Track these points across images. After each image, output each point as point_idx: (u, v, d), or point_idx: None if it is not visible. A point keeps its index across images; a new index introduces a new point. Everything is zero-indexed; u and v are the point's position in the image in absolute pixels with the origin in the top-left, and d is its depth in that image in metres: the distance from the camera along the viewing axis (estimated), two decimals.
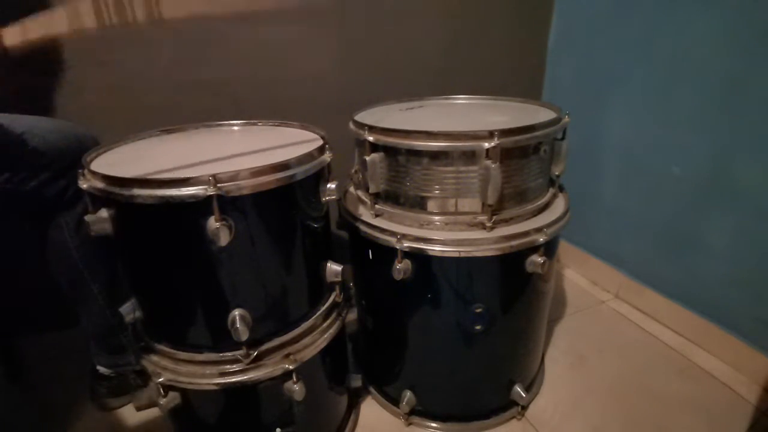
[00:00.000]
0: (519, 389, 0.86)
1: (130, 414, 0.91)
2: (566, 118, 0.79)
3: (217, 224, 0.54)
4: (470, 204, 0.74)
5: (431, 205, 0.76)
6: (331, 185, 0.68)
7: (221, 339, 0.63)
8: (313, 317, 0.72)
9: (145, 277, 0.66)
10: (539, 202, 0.80)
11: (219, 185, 0.53)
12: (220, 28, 1.01)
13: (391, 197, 0.79)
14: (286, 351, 0.68)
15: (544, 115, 0.83)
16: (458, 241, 0.71)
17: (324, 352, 0.73)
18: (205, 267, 0.60)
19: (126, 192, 0.54)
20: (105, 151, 0.69)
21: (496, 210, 0.73)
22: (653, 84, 1.09)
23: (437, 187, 0.74)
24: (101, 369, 0.90)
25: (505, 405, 0.89)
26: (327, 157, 0.67)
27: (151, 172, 0.58)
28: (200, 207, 0.54)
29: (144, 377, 0.85)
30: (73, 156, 0.72)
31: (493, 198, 0.70)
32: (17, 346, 1.05)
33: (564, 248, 1.43)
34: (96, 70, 0.94)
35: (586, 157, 1.27)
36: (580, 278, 1.40)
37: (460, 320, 0.78)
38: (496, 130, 0.68)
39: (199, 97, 1.03)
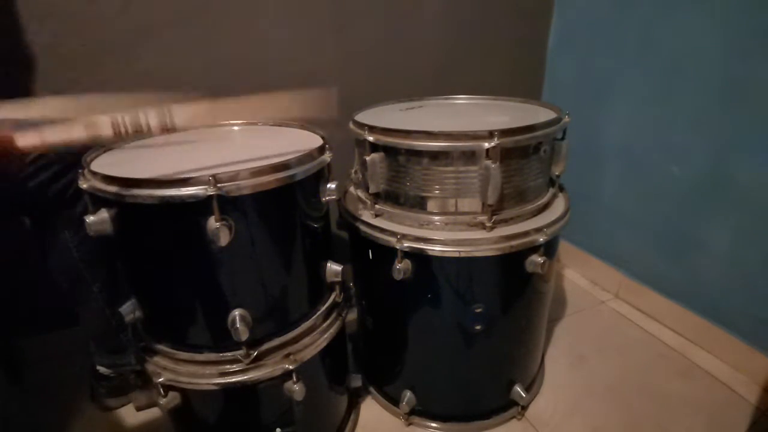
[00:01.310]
0: (519, 389, 0.86)
1: (130, 414, 0.91)
2: (566, 118, 0.79)
3: (217, 224, 0.54)
4: (470, 204, 0.74)
5: (431, 205, 0.76)
6: (331, 185, 0.68)
7: (221, 339, 0.64)
8: (313, 317, 0.72)
9: (145, 277, 0.66)
10: (539, 202, 0.80)
11: (219, 185, 0.53)
12: (221, 26, 1.01)
13: (391, 197, 0.79)
14: (286, 351, 0.68)
15: (544, 115, 0.83)
16: (458, 241, 0.71)
17: (324, 352, 0.73)
18: (205, 267, 0.60)
19: (126, 192, 0.54)
20: (105, 151, 0.69)
21: (496, 210, 0.73)
22: (653, 84, 1.09)
23: (437, 187, 0.74)
24: (101, 369, 0.90)
25: (505, 405, 0.89)
26: (327, 157, 0.67)
27: (151, 172, 0.58)
28: (200, 207, 0.54)
29: (144, 377, 0.84)
30: (73, 156, 0.72)
31: (493, 198, 0.70)
32: (17, 346, 1.05)
33: (564, 248, 1.43)
34: (96, 69, 0.94)
35: (586, 157, 1.27)
36: (580, 278, 1.40)
37: (460, 320, 0.78)
38: (496, 130, 0.68)
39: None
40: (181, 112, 0.53)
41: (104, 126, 0.49)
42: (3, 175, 0.50)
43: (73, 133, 0.48)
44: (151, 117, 0.50)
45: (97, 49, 0.91)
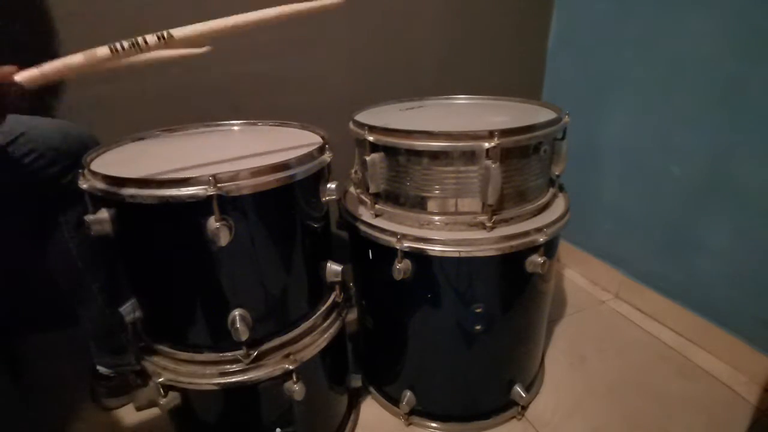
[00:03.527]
0: (519, 389, 0.86)
1: (130, 414, 0.91)
2: (566, 118, 0.79)
3: (217, 224, 0.54)
4: (470, 204, 0.74)
5: (431, 205, 0.76)
6: (331, 185, 0.68)
7: (221, 339, 0.63)
8: (313, 317, 0.72)
9: (145, 277, 0.66)
10: (539, 202, 0.80)
11: (219, 185, 0.53)
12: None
13: (391, 197, 0.79)
14: (286, 351, 0.68)
15: (544, 115, 0.83)
16: (458, 241, 0.71)
17: (324, 352, 0.73)
18: (205, 267, 0.60)
19: (126, 192, 0.54)
20: (105, 151, 0.70)
21: (496, 210, 0.73)
22: (653, 84, 1.09)
23: (437, 187, 0.74)
24: (101, 369, 0.90)
25: (505, 405, 0.89)
26: (327, 157, 0.67)
27: (151, 172, 0.58)
28: (200, 207, 0.54)
29: (144, 377, 0.84)
30: (73, 156, 0.72)
31: (493, 198, 0.70)
32: (17, 346, 1.05)
33: (564, 248, 1.43)
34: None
35: (586, 157, 1.27)
36: (580, 278, 1.40)
37: (460, 320, 0.78)
38: (496, 130, 0.68)
39: (199, 97, 1.03)
40: (180, 32, 0.51)
41: (101, 50, 0.48)
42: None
43: (71, 61, 0.48)
44: (149, 38, 0.50)
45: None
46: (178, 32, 0.51)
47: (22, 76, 0.47)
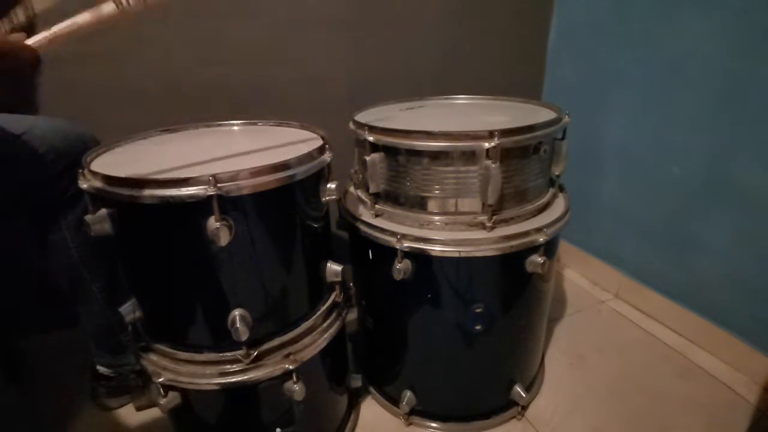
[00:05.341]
0: (519, 389, 0.86)
1: (130, 414, 0.91)
2: (566, 118, 0.79)
3: (217, 224, 0.54)
4: (470, 204, 0.74)
5: (431, 205, 0.76)
6: (331, 185, 0.68)
7: (221, 339, 0.64)
8: (313, 317, 0.72)
9: (146, 277, 0.66)
10: (539, 202, 0.80)
11: (219, 185, 0.53)
12: (221, 27, 1.01)
13: (391, 197, 0.79)
14: (286, 351, 0.68)
15: (544, 115, 0.83)
16: (458, 241, 0.71)
17: (324, 352, 0.73)
18: (205, 267, 0.60)
19: (126, 192, 0.54)
20: (105, 151, 0.69)
21: (496, 210, 0.73)
22: (653, 84, 1.09)
23: (437, 187, 0.74)
24: (101, 369, 0.90)
25: (505, 405, 0.89)
26: (327, 157, 0.67)
27: (151, 172, 0.58)
28: (200, 207, 0.54)
29: (144, 377, 0.85)
30: (74, 156, 0.72)
31: (493, 198, 0.70)
32: (17, 346, 1.05)
33: (564, 248, 1.43)
34: (96, 69, 0.94)
35: (586, 157, 1.27)
36: (580, 278, 1.40)
37: (460, 320, 0.78)
38: (496, 130, 0.68)
39: (200, 97, 1.03)
40: None
41: (107, 6, 0.49)
42: (18, 78, 0.49)
43: (79, 20, 0.48)
44: None
45: None
46: None
47: (34, 41, 0.47)
